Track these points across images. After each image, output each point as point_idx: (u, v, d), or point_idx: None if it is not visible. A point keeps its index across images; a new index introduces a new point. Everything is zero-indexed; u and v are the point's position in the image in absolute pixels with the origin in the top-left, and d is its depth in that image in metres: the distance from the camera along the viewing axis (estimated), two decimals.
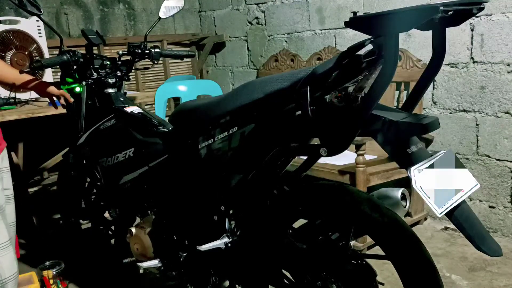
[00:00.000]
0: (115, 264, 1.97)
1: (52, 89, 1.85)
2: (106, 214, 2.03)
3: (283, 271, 1.31)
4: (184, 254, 1.55)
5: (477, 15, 2.22)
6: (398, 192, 1.21)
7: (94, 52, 1.86)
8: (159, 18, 1.94)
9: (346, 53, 1.08)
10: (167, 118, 1.71)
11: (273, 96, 1.20)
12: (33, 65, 1.71)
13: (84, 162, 1.96)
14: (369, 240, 2.22)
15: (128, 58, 1.92)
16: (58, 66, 1.85)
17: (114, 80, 1.86)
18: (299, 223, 1.28)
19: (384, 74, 0.98)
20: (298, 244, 1.24)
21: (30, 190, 2.82)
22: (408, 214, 2.56)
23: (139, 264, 1.62)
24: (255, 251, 1.33)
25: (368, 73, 1.07)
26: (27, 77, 1.78)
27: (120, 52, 1.89)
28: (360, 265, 1.17)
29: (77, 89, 1.86)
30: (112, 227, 2.04)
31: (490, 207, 2.47)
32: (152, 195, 1.66)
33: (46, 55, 2.77)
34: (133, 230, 1.67)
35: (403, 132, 1.03)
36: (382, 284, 1.21)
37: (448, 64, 2.48)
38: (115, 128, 1.75)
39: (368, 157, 2.24)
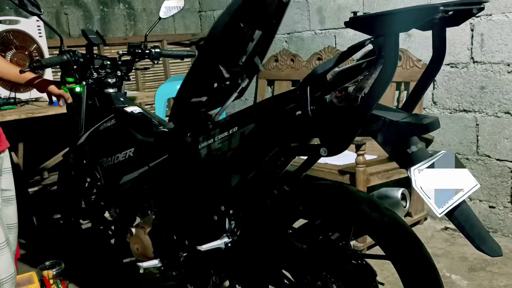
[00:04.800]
0: (115, 264, 1.97)
1: (52, 88, 1.86)
2: (106, 214, 2.03)
3: (283, 271, 1.31)
4: (184, 254, 1.55)
5: (477, 15, 2.22)
6: (398, 192, 1.21)
7: (94, 52, 1.86)
8: (159, 18, 1.94)
9: (346, 53, 1.08)
10: (167, 118, 1.71)
11: None
12: (33, 65, 1.71)
13: (84, 162, 1.96)
14: (369, 240, 2.22)
15: (128, 58, 1.92)
16: (58, 66, 1.85)
17: (114, 80, 1.86)
18: (299, 223, 1.28)
19: (384, 74, 0.98)
20: (298, 244, 1.24)
21: (30, 190, 2.82)
22: (408, 214, 2.56)
23: (139, 264, 1.62)
24: (255, 251, 1.33)
25: (368, 73, 1.07)
26: (29, 74, 1.79)
27: (120, 52, 1.89)
28: (360, 265, 1.17)
29: (77, 89, 1.86)
30: (112, 227, 2.04)
31: (490, 207, 2.47)
32: (152, 195, 1.66)
33: (46, 55, 2.78)
34: (133, 230, 1.67)
35: (403, 132, 1.03)
36: (382, 284, 1.21)
37: (448, 64, 2.48)
38: (115, 128, 1.75)
39: (368, 157, 2.24)
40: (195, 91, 1.37)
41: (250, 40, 1.32)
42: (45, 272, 2.05)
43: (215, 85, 1.38)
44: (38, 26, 2.74)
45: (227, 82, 1.42)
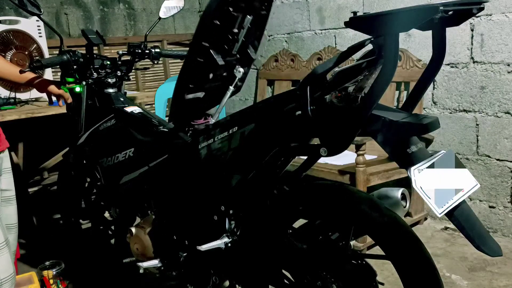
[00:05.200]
0: (115, 264, 1.97)
1: (52, 88, 1.86)
2: (106, 214, 2.03)
3: (283, 271, 1.31)
4: (184, 254, 1.55)
5: (477, 15, 2.22)
6: (398, 192, 1.21)
7: (94, 52, 1.86)
8: (159, 18, 1.94)
9: (346, 53, 1.08)
10: (167, 118, 1.71)
11: None
12: (33, 65, 1.71)
13: (84, 162, 1.96)
14: (369, 240, 2.22)
15: (128, 58, 1.92)
16: (58, 66, 1.85)
17: (114, 80, 1.86)
18: (299, 223, 1.28)
19: (384, 74, 0.98)
20: (298, 244, 1.24)
21: (30, 190, 2.82)
22: (408, 214, 2.56)
23: (139, 264, 1.62)
24: (255, 251, 1.33)
25: (368, 73, 1.07)
26: (29, 74, 1.79)
27: (120, 52, 1.89)
28: (360, 265, 1.17)
29: (77, 89, 1.86)
30: (112, 227, 2.04)
31: (490, 207, 2.47)
32: (152, 195, 1.66)
33: (46, 55, 2.78)
34: (133, 230, 1.67)
35: (403, 132, 1.03)
36: (382, 284, 1.21)
37: (448, 64, 2.48)
38: (115, 128, 1.75)
39: (368, 157, 2.24)
40: (191, 82, 1.38)
41: (241, 27, 1.33)
42: (45, 272, 2.05)
43: (211, 76, 1.39)
44: (38, 26, 2.74)
45: (224, 74, 1.42)
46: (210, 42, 1.32)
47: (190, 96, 1.41)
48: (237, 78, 1.48)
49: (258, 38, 1.45)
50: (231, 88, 1.49)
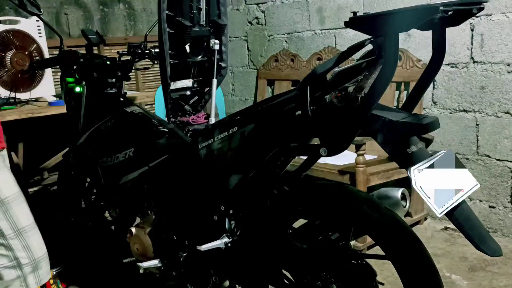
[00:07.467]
0: (115, 264, 1.97)
1: None
2: (106, 214, 2.03)
3: (283, 271, 1.32)
4: (184, 254, 1.55)
5: (477, 15, 2.22)
6: (398, 192, 1.21)
7: (94, 52, 1.86)
8: None
9: (346, 53, 1.08)
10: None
11: None
12: (33, 65, 1.71)
13: (84, 162, 1.96)
14: (369, 240, 2.22)
15: (128, 58, 1.92)
16: (58, 66, 1.85)
17: (114, 80, 1.86)
18: (299, 223, 1.28)
19: (384, 74, 0.98)
20: (298, 244, 1.24)
21: (30, 190, 2.82)
22: (408, 214, 2.56)
23: (139, 264, 1.62)
24: (255, 251, 1.33)
25: (368, 73, 1.07)
26: None
27: (120, 52, 1.89)
28: (360, 265, 1.17)
29: (77, 89, 1.86)
30: (112, 227, 2.04)
31: (490, 207, 2.47)
32: (152, 195, 1.66)
33: (46, 55, 2.77)
34: (133, 230, 1.67)
35: (403, 132, 1.03)
36: (382, 284, 1.21)
37: (448, 64, 2.48)
38: (115, 128, 1.75)
39: (368, 157, 2.24)
40: (170, 57, 1.44)
41: None
42: None
43: (188, 48, 1.42)
44: (38, 26, 2.73)
45: (204, 45, 1.46)
46: (174, 11, 1.43)
47: (179, 84, 1.43)
48: (216, 52, 1.57)
49: (223, 10, 1.53)
50: (215, 80, 1.58)
